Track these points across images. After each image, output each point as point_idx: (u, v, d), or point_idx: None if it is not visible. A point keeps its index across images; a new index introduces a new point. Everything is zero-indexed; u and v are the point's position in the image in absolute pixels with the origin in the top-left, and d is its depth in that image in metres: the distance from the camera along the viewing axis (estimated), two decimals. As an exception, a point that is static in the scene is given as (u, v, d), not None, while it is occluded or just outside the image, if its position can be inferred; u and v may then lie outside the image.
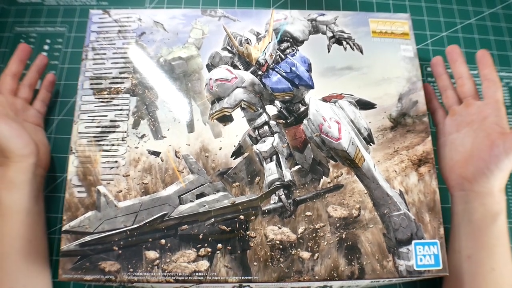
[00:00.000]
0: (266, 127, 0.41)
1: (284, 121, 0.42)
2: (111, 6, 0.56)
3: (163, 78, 0.43)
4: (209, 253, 0.37)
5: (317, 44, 0.45)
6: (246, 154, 0.41)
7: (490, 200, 0.39)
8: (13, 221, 0.39)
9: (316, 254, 0.38)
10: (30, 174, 0.41)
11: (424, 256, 0.38)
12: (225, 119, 0.41)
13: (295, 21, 0.45)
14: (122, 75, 0.43)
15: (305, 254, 0.38)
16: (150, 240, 0.37)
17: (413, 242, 0.38)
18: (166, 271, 0.36)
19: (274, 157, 0.40)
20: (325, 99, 0.42)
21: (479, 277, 0.39)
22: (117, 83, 0.42)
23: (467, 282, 0.39)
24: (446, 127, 0.44)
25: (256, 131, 0.41)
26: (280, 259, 0.37)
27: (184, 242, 0.37)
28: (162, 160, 0.40)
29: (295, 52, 0.44)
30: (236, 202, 0.39)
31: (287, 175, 0.40)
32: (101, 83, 0.42)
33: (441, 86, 0.47)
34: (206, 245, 0.37)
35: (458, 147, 0.42)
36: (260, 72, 0.42)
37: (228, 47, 0.44)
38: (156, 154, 0.40)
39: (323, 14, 0.46)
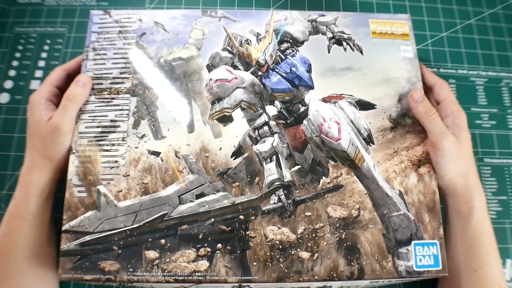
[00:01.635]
0: (266, 128, 0.41)
1: (284, 122, 0.42)
2: (111, 7, 0.56)
3: (163, 79, 0.43)
4: (209, 253, 0.37)
5: (317, 45, 0.45)
6: (246, 154, 0.41)
7: (455, 200, 0.40)
8: (35, 227, 0.39)
9: (316, 254, 0.38)
10: (56, 185, 0.41)
11: (423, 256, 0.38)
12: (225, 119, 0.41)
13: (295, 21, 0.45)
14: (123, 76, 0.43)
15: (305, 254, 0.38)
16: (150, 240, 0.37)
17: (413, 242, 0.38)
18: (166, 271, 0.36)
19: (274, 157, 0.40)
20: (325, 100, 0.42)
21: (462, 278, 0.39)
22: (117, 83, 0.43)
23: (453, 282, 0.40)
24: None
25: (256, 131, 0.41)
26: (280, 259, 0.37)
27: (184, 242, 0.37)
28: (162, 160, 0.40)
29: (295, 53, 0.44)
30: (236, 202, 0.39)
31: (287, 176, 0.40)
32: (101, 83, 0.42)
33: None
34: (205, 245, 0.37)
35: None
36: (260, 73, 0.42)
37: (228, 47, 0.44)
38: (156, 154, 0.40)
39: (323, 15, 0.46)
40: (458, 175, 0.39)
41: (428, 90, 0.44)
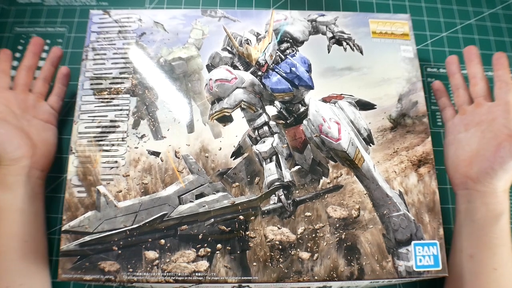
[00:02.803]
0: (266, 128, 0.41)
1: (284, 122, 0.42)
2: (111, 7, 0.56)
3: (163, 79, 0.43)
4: (209, 253, 0.37)
5: (317, 45, 0.45)
6: (245, 155, 0.41)
7: (492, 200, 0.39)
8: (7, 221, 0.39)
9: (316, 255, 0.38)
10: (23, 176, 0.40)
11: (423, 256, 0.38)
12: (225, 119, 0.41)
13: (295, 21, 0.45)
14: (122, 76, 0.43)
15: (305, 255, 0.38)
16: (150, 240, 0.37)
17: (413, 242, 0.38)
18: (166, 271, 0.36)
19: (274, 157, 0.40)
20: (325, 100, 0.42)
21: (481, 276, 0.39)
22: (117, 83, 0.43)
23: (469, 281, 0.39)
24: (455, 126, 0.44)
25: (256, 131, 0.41)
26: (280, 259, 0.37)
27: (184, 242, 0.37)
28: (162, 160, 0.40)
29: (295, 53, 0.44)
30: (235, 203, 0.39)
31: (287, 176, 0.40)
32: (101, 83, 0.42)
33: (454, 85, 0.46)
34: (205, 245, 0.37)
35: (464, 146, 0.42)
36: (260, 73, 0.42)
37: (228, 47, 0.44)
38: (156, 154, 0.40)
39: (323, 15, 0.46)
40: (507, 180, 0.39)
41: (472, 78, 0.44)
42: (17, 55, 0.53)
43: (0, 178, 0.39)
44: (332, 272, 0.37)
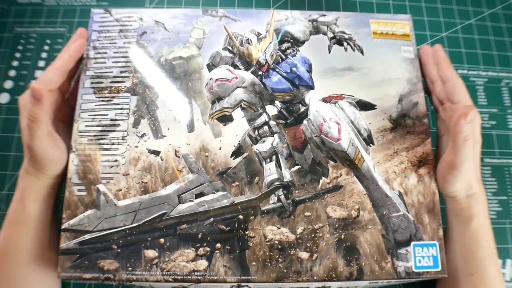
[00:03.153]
0: (266, 127, 0.41)
1: (284, 122, 0.42)
2: (111, 7, 0.56)
3: (163, 78, 0.43)
4: (208, 253, 0.37)
5: (317, 45, 0.45)
6: (245, 154, 0.41)
7: (455, 206, 0.39)
8: (35, 231, 0.39)
9: (315, 255, 0.38)
10: (56, 188, 0.40)
11: (423, 257, 0.38)
12: (225, 119, 0.41)
13: (296, 21, 0.45)
14: (123, 74, 0.43)
15: (304, 255, 0.38)
16: (149, 239, 0.37)
17: (412, 243, 0.38)
18: (165, 270, 0.36)
19: (274, 157, 0.40)
20: (325, 100, 0.42)
21: (460, 281, 0.39)
22: (117, 82, 0.43)
23: (452, 285, 0.40)
24: (439, 129, 0.44)
25: (256, 131, 0.41)
26: (279, 259, 0.37)
27: (183, 242, 0.37)
28: (162, 159, 0.40)
29: (296, 53, 0.44)
30: (235, 202, 0.39)
31: (287, 176, 0.40)
32: (102, 82, 0.42)
33: (431, 78, 0.44)
34: (205, 244, 0.37)
35: (441, 151, 0.41)
36: (260, 72, 0.42)
37: (229, 47, 0.44)
38: (156, 153, 0.40)
39: (324, 15, 0.46)
40: (462, 188, 0.38)
41: (433, 82, 0.43)
42: (17, 55, 0.54)
43: (38, 189, 0.38)
44: (331, 272, 0.37)
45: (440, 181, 0.39)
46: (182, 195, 0.39)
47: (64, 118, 0.42)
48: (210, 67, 0.43)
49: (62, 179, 0.40)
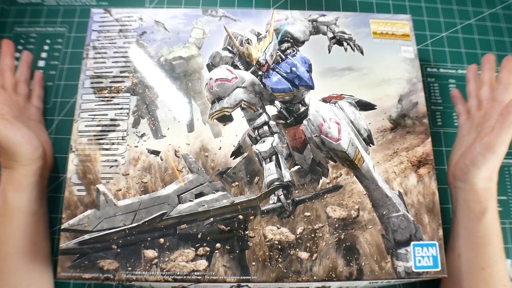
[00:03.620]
0: (265, 127, 0.41)
1: (284, 122, 0.42)
2: (111, 6, 0.56)
3: (163, 78, 0.43)
4: (208, 253, 0.37)
5: (317, 45, 0.45)
6: (245, 154, 0.41)
7: (472, 197, 0.40)
8: (18, 222, 0.39)
9: (315, 255, 0.38)
10: (38, 177, 0.41)
11: (422, 257, 0.38)
12: (225, 118, 0.41)
13: (296, 21, 0.45)
14: (123, 74, 0.43)
15: (304, 255, 0.38)
16: (149, 239, 0.37)
17: (412, 243, 0.38)
18: (165, 270, 0.36)
19: (274, 157, 0.40)
20: (325, 100, 0.42)
21: (469, 275, 0.39)
22: (117, 82, 0.43)
23: (459, 280, 0.40)
24: (461, 129, 0.46)
25: (256, 131, 0.41)
26: (279, 259, 0.37)
27: (183, 241, 0.37)
28: (161, 159, 0.40)
29: (296, 53, 0.44)
30: (235, 202, 0.39)
31: (287, 176, 0.40)
32: (101, 82, 0.42)
33: (468, 92, 0.48)
34: (204, 244, 0.37)
35: (460, 147, 0.43)
36: (260, 72, 0.42)
37: (228, 47, 0.44)
38: (156, 153, 0.40)
39: (324, 15, 0.46)
40: (485, 177, 0.39)
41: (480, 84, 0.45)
42: (17, 55, 0.53)
43: (17, 179, 0.39)
44: (331, 272, 0.37)
45: (466, 165, 0.39)
46: (182, 195, 0.39)
47: (33, 116, 0.46)
48: (210, 67, 0.43)
49: (45, 170, 0.42)
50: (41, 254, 0.41)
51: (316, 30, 0.46)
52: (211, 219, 0.38)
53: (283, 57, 0.43)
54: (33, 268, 0.40)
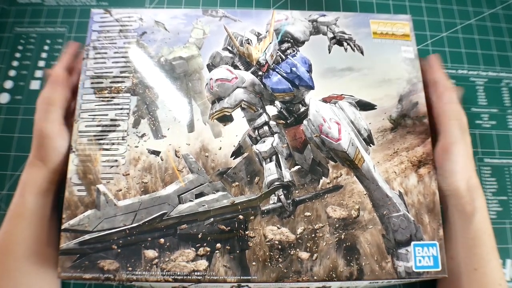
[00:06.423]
0: (266, 128, 0.41)
1: (284, 122, 0.42)
2: (111, 7, 0.56)
3: (163, 78, 0.43)
4: (208, 253, 0.37)
5: (317, 45, 0.45)
6: (245, 154, 0.41)
7: (458, 200, 0.40)
8: (33, 225, 0.39)
9: (315, 255, 0.38)
10: (55, 185, 0.40)
11: (423, 257, 0.38)
12: (225, 119, 0.41)
13: (296, 21, 0.45)
14: (123, 74, 0.43)
15: (304, 255, 0.38)
16: (149, 239, 0.37)
17: (412, 243, 0.38)
18: (165, 270, 0.36)
19: (274, 157, 0.40)
20: (325, 100, 0.42)
21: (462, 277, 0.39)
22: (117, 82, 0.43)
23: (453, 281, 0.40)
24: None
25: (256, 131, 0.41)
26: (279, 259, 0.37)
27: (183, 242, 0.37)
28: (162, 160, 0.40)
29: (296, 53, 0.44)
30: (235, 202, 0.39)
31: (287, 176, 0.40)
32: (102, 82, 0.42)
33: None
34: (205, 244, 0.37)
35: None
36: (260, 73, 0.42)
37: (229, 47, 0.44)
38: (156, 153, 0.40)
39: (324, 15, 0.46)
40: (462, 178, 0.39)
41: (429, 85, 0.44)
42: (17, 55, 0.54)
43: (38, 182, 0.39)
44: (331, 272, 0.37)
45: (441, 175, 0.40)
46: (182, 195, 0.39)
47: (68, 116, 0.42)
48: (210, 67, 0.43)
49: (60, 177, 0.41)
50: (48, 257, 0.40)
51: (316, 30, 0.46)
52: (212, 219, 0.38)
53: (283, 57, 0.43)
54: (41, 270, 0.39)
